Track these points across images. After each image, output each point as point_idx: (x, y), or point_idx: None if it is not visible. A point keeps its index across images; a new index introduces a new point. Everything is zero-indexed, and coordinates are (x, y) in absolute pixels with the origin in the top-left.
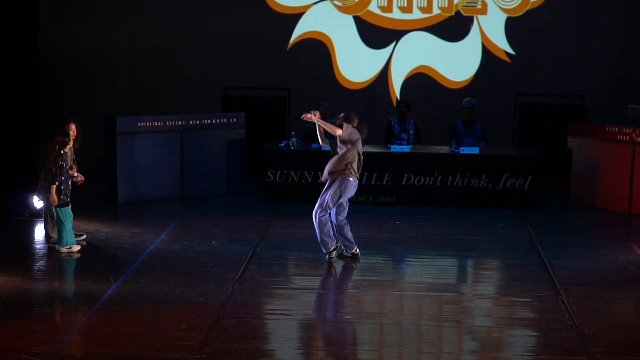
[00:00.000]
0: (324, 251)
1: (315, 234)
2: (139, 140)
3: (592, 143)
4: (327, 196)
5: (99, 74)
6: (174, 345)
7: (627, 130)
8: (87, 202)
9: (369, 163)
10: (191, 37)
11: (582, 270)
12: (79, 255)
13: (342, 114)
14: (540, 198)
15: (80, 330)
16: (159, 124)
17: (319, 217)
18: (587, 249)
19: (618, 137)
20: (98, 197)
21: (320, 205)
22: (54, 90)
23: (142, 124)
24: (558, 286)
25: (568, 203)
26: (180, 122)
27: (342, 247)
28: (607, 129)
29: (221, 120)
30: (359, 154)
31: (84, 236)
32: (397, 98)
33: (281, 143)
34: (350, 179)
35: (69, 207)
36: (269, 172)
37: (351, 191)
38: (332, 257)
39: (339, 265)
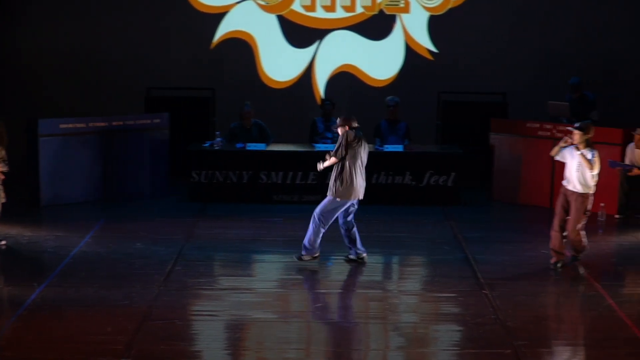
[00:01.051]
0: (304, 253)
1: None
2: (61, 143)
3: (513, 139)
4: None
5: (22, 76)
6: (100, 348)
7: (548, 127)
8: (8, 205)
9: (293, 162)
10: (114, 38)
11: (505, 265)
12: None
13: (339, 120)
14: (463, 194)
15: (4, 336)
16: (82, 125)
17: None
18: (510, 244)
19: (539, 133)
20: (20, 200)
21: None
22: None
23: (64, 125)
24: (482, 281)
25: (491, 199)
26: (103, 124)
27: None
28: (528, 125)
29: (144, 121)
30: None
31: (4, 241)
32: (321, 97)
33: (205, 143)
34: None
35: None
36: (193, 173)
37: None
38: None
39: (264, 265)
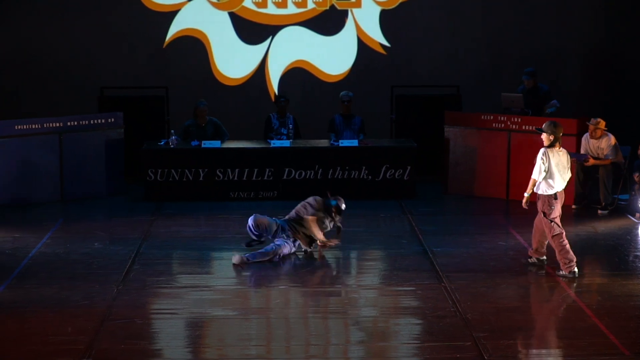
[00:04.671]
0: None
1: None
2: (16, 144)
3: (468, 132)
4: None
5: None
6: (60, 349)
7: (502, 118)
8: None
9: (249, 159)
10: (65, 38)
11: (463, 257)
12: None
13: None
14: (419, 188)
15: None
16: (36, 126)
17: None
18: (467, 236)
19: (494, 125)
20: None
21: None
22: None
23: (19, 126)
24: (440, 274)
25: (446, 192)
26: (57, 124)
27: None
28: (482, 117)
29: (99, 121)
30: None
31: None
32: (275, 93)
33: (160, 142)
34: None
35: None
36: (149, 172)
37: None
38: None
39: (223, 262)
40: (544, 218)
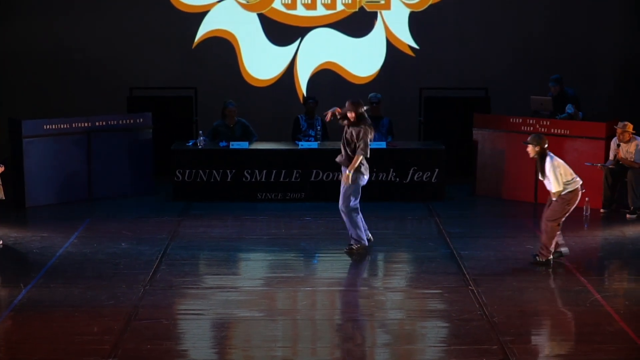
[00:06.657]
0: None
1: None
2: (45, 143)
3: (496, 134)
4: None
5: (1, 75)
6: (86, 348)
7: (531, 121)
8: None
9: (277, 160)
10: (94, 38)
11: (490, 261)
12: None
13: (348, 104)
14: (447, 190)
15: None
16: (65, 126)
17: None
18: (495, 239)
19: (522, 128)
20: (4, 201)
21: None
22: None
23: (48, 126)
24: (467, 277)
25: (475, 195)
26: (86, 124)
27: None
28: (511, 120)
29: (128, 121)
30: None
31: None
32: (303, 94)
33: (189, 142)
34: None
35: None
36: (177, 172)
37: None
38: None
39: (249, 263)
40: (559, 204)
